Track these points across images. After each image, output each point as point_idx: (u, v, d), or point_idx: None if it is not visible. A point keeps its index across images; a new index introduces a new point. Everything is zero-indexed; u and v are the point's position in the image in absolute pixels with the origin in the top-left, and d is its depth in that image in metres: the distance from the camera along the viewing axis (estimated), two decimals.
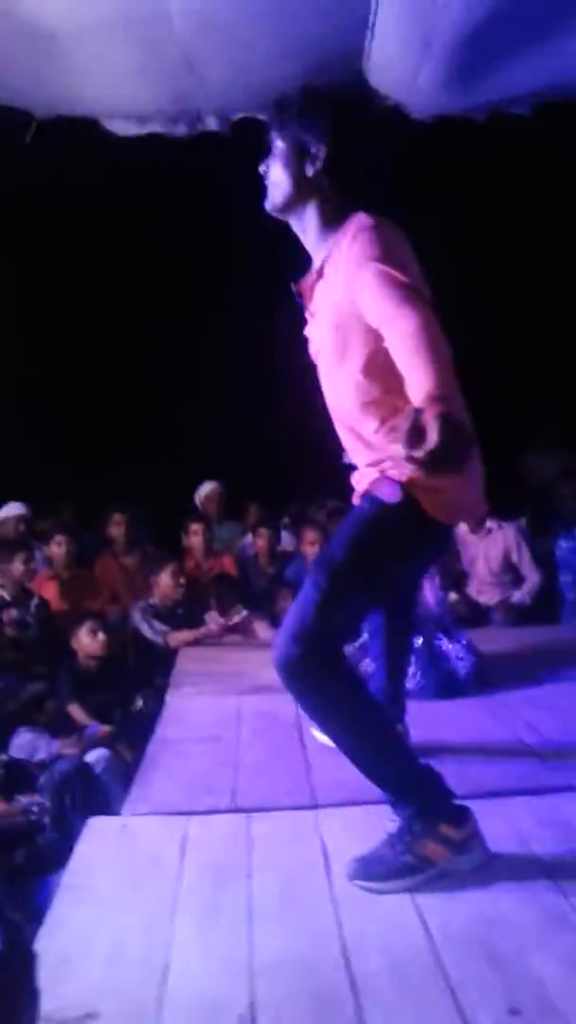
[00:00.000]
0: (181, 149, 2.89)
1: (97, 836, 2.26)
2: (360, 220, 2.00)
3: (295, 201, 2.13)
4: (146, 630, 4.84)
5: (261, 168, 2.17)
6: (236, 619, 4.87)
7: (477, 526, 5.13)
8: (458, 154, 5.06)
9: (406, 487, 1.94)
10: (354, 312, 1.97)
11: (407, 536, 2.00)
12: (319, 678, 1.93)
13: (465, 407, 1.88)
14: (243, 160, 2.26)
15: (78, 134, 2.77)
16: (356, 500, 2.14)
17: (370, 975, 1.63)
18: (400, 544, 2.01)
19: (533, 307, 6.64)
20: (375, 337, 1.94)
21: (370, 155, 2.16)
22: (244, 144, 2.51)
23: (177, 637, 4.73)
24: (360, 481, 2.13)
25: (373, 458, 2.07)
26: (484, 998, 1.54)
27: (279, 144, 2.13)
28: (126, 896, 1.95)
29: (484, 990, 1.57)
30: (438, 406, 1.61)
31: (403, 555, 2.07)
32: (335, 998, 1.56)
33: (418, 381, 1.74)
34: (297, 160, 2.10)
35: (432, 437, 1.54)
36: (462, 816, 1.99)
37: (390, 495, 1.96)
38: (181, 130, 2.82)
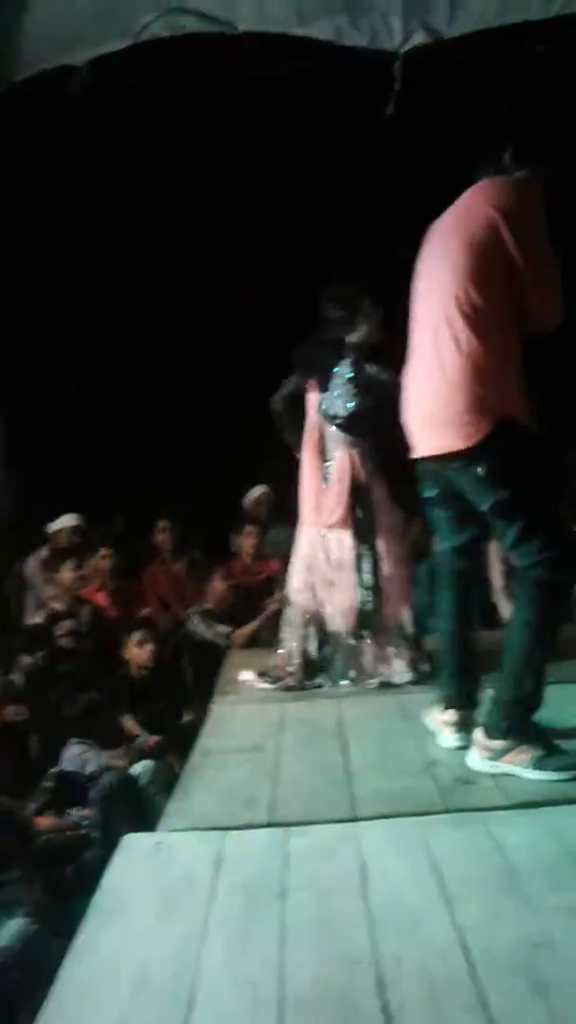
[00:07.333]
0: None
1: (131, 854, 2.20)
2: None
3: None
4: (205, 632, 4.88)
5: None
6: None
7: None
8: None
9: None
10: None
11: None
12: None
13: None
14: None
15: None
16: None
17: (405, 1003, 1.53)
18: None
19: None
20: None
21: None
22: None
23: (241, 633, 4.79)
24: None
25: None
26: None
27: None
28: (156, 919, 1.88)
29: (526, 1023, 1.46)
30: None
31: None
32: None
33: None
34: None
35: None
36: None
37: None
38: None
